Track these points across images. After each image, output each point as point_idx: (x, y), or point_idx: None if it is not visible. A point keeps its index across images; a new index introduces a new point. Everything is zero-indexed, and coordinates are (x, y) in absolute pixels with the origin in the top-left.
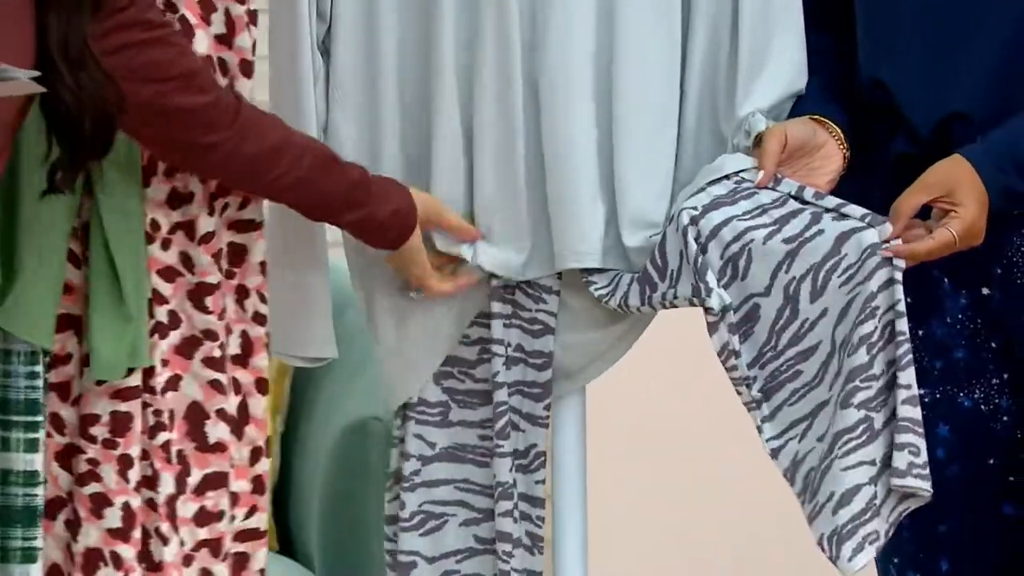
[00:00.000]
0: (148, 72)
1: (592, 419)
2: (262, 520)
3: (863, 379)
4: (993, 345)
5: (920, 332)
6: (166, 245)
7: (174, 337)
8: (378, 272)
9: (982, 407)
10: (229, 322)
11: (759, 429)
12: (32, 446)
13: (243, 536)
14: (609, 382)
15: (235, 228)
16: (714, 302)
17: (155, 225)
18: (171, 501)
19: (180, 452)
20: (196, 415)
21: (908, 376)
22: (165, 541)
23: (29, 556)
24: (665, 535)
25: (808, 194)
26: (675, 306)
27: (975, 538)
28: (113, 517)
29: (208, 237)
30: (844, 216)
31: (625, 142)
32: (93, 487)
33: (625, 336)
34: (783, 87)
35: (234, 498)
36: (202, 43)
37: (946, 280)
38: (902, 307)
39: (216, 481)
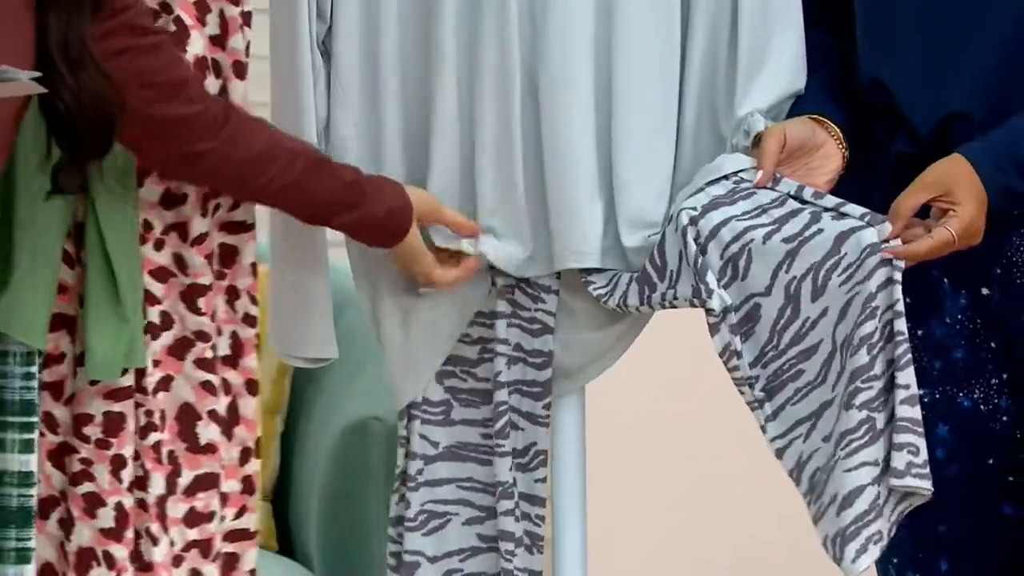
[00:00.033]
0: (140, 78)
1: (592, 419)
2: (252, 520)
3: (864, 380)
4: (992, 345)
5: (919, 332)
6: (159, 246)
7: (166, 338)
8: (382, 273)
9: (981, 407)
10: (219, 323)
11: (763, 429)
12: (28, 447)
13: (233, 536)
14: (609, 382)
15: (227, 229)
16: (715, 303)
17: (148, 226)
18: (161, 502)
19: (171, 453)
20: (188, 416)
21: (907, 376)
22: (155, 541)
23: (23, 557)
24: (665, 535)
25: (807, 193)
26: (674, 306)
27: (974, 538)
28: (106, 517)
29: (201, 238)
30: (843, 215)
31: (624, 142)
32: (86, 487)
33: (624, 336)
34: (782, 87)
35: (224, 498)
36: (197, 44)
37: (946, 280)
38: (901, 307)
39: (207, 482)
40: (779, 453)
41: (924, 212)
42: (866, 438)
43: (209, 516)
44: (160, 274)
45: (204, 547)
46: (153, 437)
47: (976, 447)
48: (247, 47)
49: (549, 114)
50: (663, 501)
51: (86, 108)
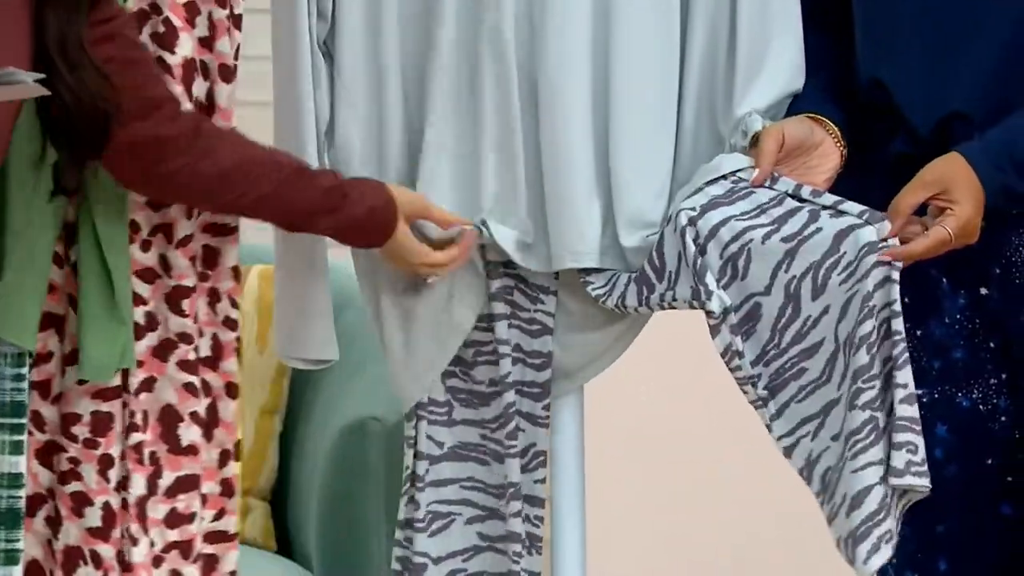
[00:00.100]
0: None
1: (591, 419)
2: (232, 523)
3: (865, 380)
4: (991, 345)
5: (918, 332)
6: (146, 247)
7: (151, 339)
8: (383, 274)
9: (980, 407)
10: (201, 325)
11: (768, 428)
12: (17, 448)
13: (212, 538)
14: (608, 382)
15: (210, 231)
16: (714, 305)
17: (135, 227)
18: (142, 502)
19: (153, 454)
20: (170, 418)
21: (905, 375)
22: (134, 542)
23: (11, 558)
24: (664, 535)
25: (805, 192)
26: (673, 307)
27: (973, 538)
28: (93, 516)
29: (186, 240)
30: (842, 213)
31: (622, 142)
32: (74, 486)
33: (623, 336)
34: (780, 87)
35: (203, 499)
36: (186, 46)
37: (945, 280)
38: (898, 306)
39: (188, 483)
40: (787, 452)
41: (921, 210)
42: (870, 438)
43: (190, 517)
44: (147, 275)
45: (185, 548)
46: (135, 437)
47: (975, 447)
48: (237, 50)
49: (548, 114)
50: (662, 501)
51: (85, 106)
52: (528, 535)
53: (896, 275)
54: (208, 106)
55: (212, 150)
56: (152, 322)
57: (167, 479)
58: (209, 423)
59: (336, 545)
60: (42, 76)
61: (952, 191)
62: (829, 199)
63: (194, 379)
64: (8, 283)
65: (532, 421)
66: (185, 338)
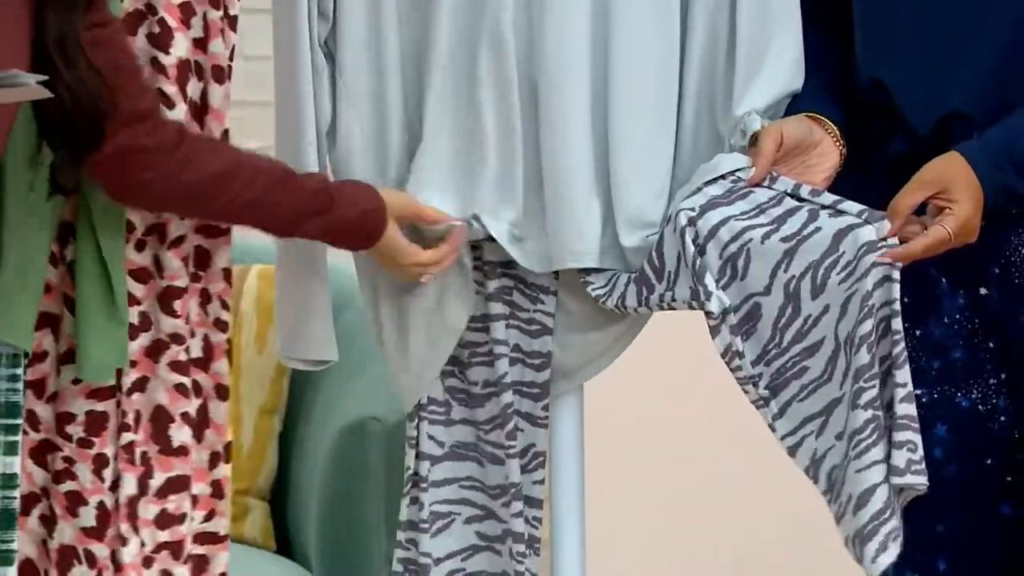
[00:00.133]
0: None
1: (591, 419)
2: (223, 525)
3: (867, 379)
4: (991, 345)
5: (918, 332)
6: (140, 247)
7: (144, 339)
8: (384, 275)
9: (980, 407)
10: (192, 325)
11: (771, 427)
12: (12, 449)
13: (203, 539)
14: (608, 382)
15: (203, 232)
16: (713, 306)
17: (130, 226)
18: (132, 502)
19: (144, 454)
20: (161, 418)
21: (904, 374)
22: (124, 542)
23: (5, 559)
24: (664, 535)
25: (804, 191)
26: (673, 308)
27: (973, 538)
28: (88, 516)
29: (178, 241)
30: (841, 212)
31: (622, 141)
32: (69, 485)
33: (623, 336)
34: (780, 87)
35: (193, 500)
36: (181, 46)
37: (944, 280)
38: (898, 305)
39: (178, 484)
40: (791, 451)
41: (921, 210)
42: (873, 437)
43: (180, 518)
44: (141, 275)
45: (175, 549)
46: (126, 437)
47: (974, 447)
48: (232, 51)
49: (548, 114)
50: (662, 501)
51: (83, 105)
52: (528, 536)
53: (896, 274)
54: (202, 107)
55: (194, 158)
56: (146, 322)
57: (158, 479)
58: (200, 424)
59: (336, 545)
60: (44, 78)
61: (951, 190)
62: (828, 198)
63: (185, 380)
64: (5, 283)
65: (531, 421)
66: (177, 339)
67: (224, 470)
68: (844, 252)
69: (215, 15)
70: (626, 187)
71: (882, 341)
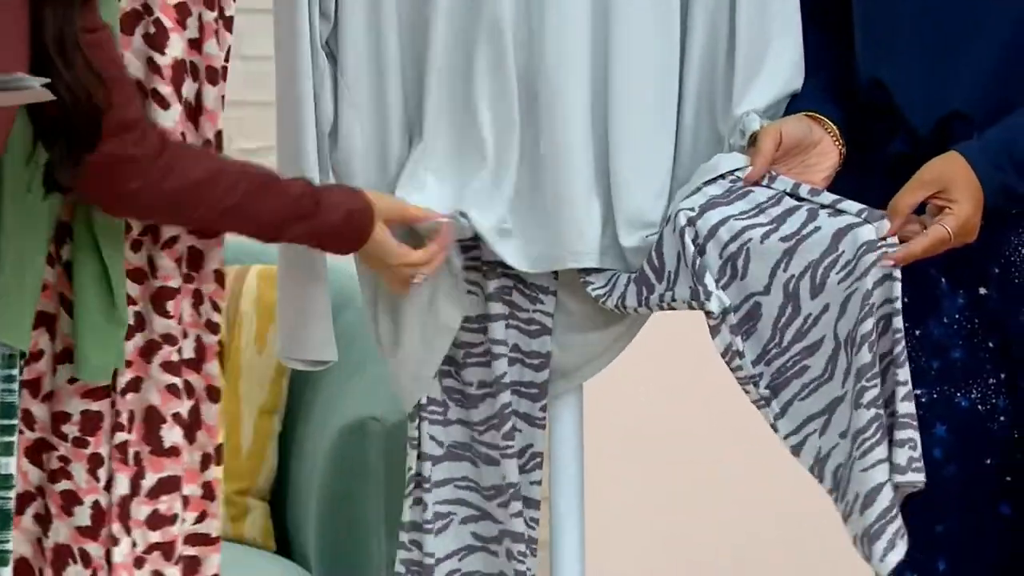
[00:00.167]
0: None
1: (590, 419)
2: (214, 527)
3: (869, 378)
4: (990, 345)
5: (917, 332)
6: (136, 247)
7: (138, 339)
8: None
9: (979, 407)
10: (185, 326)
11: (774, 427)
12: (7, 449)
13: (194, 540)
14: (607, 382)
15: (196, 233)
16: (713, 305)
17: (127, 227)
18: (125, 502)
19: (137, 454)
20: (152, 419)
21: (905, 372)
22: (115, 542)
23: (1, 559)
24: (663, 535)
25: (803, 191)
26: (673, 308)
27: (972, 538)
28: (83, 515)
29: (171, 241)
30: (840, 212)
31: (622, 141)
32: (64, 484)
33: (622, 336)
34: (780, 87)
35: (184, 501)
36: (176, 47)
37: (943, 280)
38: (899, 303)
39: (170, 485)
40: (795, 450)
41: (920, 209)
42: (877, 436)
43: (172, 519)
44: (137, 275)
45: (166, 550)
46: (120, 437)
47: (974, 447)
48: (228, 53)
49: (547, 114)
50: (661, 501)
51: (81, 102)
52: (527, 536)
53: (897, 272)
54: (196, 107)
55: (176, 165)
56: (141, 323)
57: (149, 480)
58: (191, 425)
59: (335, 545)
60: (47, 80)
61: (951, 190)
62: (828, 198)
63: (176, 380)
64: (3, 284)
65: (529, 422)
66: (169, 339)
67: (215, 472)
68: (843, 251)
69: (210, 16)
70: (626, 187)
71: (882, 338)
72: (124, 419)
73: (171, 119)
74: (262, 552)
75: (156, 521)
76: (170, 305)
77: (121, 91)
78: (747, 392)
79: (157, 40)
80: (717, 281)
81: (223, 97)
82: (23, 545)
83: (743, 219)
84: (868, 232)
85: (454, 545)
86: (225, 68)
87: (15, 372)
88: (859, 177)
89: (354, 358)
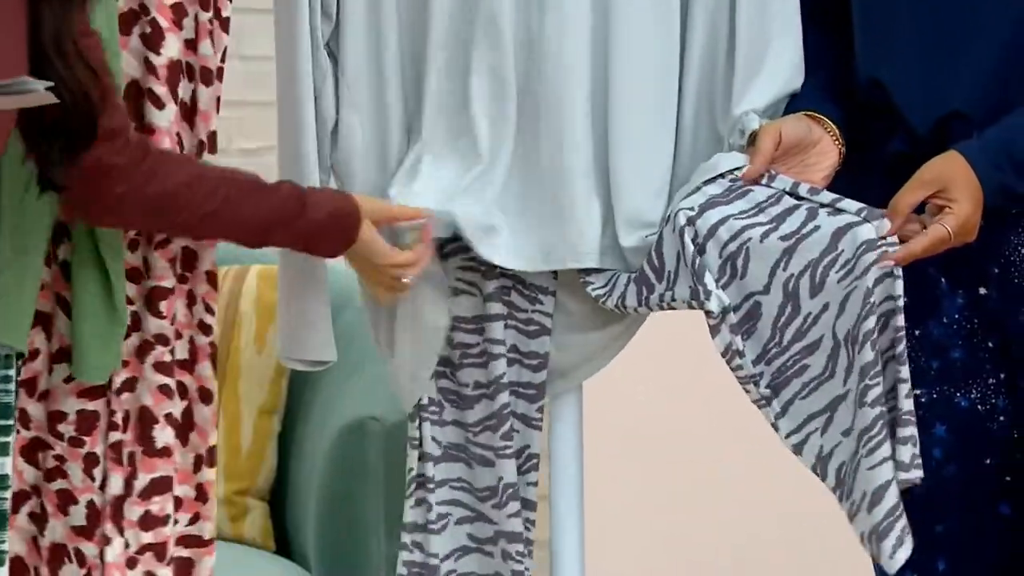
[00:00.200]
0: None
1: (589, 419)
2: (207, 529)
3: (872, 377)
4: (990, 345)
5: (917, 332)
6: (133, 247)
7: (134, 339)
8: None
9: (979, 407)
10: (178, 326)
11: (775, 427)
12: (3, 449)
13: (186, 542)
14: (606, 382)
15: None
16: (713, 305)
17: None
18: (118, 502)
19: (131, 454)
20: (145, 419)
21: (906, 369)
22: (107, 542)
23: None
24: (663, 535)
25: (803, 190)
26: (672, 308)
27: (972, 538)
28: (78, 515)
29: (165, 242)
30: (840, 211)
31: (622, 141)
32: (60, 484)
33: (621, 336)
34: (779, 87)
35: (177, 502)
36: (172, 47)
37: (943, 280)
38: (901, 300)
39: (162, 486)
40: (796, 449)
41: (920, 209)
42: (882, 434)
43: (164, 520)
44: (134, 275)
45: (159, 550)
46: (114, 436)
47: (974, 447)
48: (223, 53)
49: (547, 114)
50: (661, 501)
51: (80, 101)
52: (524, 537)
53: (898, 270)
54: (191, 108)
55: (159, 170)
56: (137, 322)
57: (142, 480)
58: (184, 426)
59: (335, 545)
60: (51, 84)
61: (951, 189)
62: (827, 197)
63: (169, 381)
64: (2, 284)
65: (526, 423)
66: (161, 339)
67: (208, 474)
68: (843, 250)
69: (205, 17)
70: (626, 187)
71: (883, 335)
72: (119, 419)
73: (166, 119)
74: (262, 552)
75: (148, 522)
76: (163, 305)
77: (107, 97)
78: (747, 392)
79: (153, 40)
80: (717, 280)
81: (218, 98)
82: (18, 544)
83: (743, 218)
84: (868, 231)
85: (450, 545)
86: (220, 69)
87: (11, 372)
88: (858, 176)
89: (353, 358)
